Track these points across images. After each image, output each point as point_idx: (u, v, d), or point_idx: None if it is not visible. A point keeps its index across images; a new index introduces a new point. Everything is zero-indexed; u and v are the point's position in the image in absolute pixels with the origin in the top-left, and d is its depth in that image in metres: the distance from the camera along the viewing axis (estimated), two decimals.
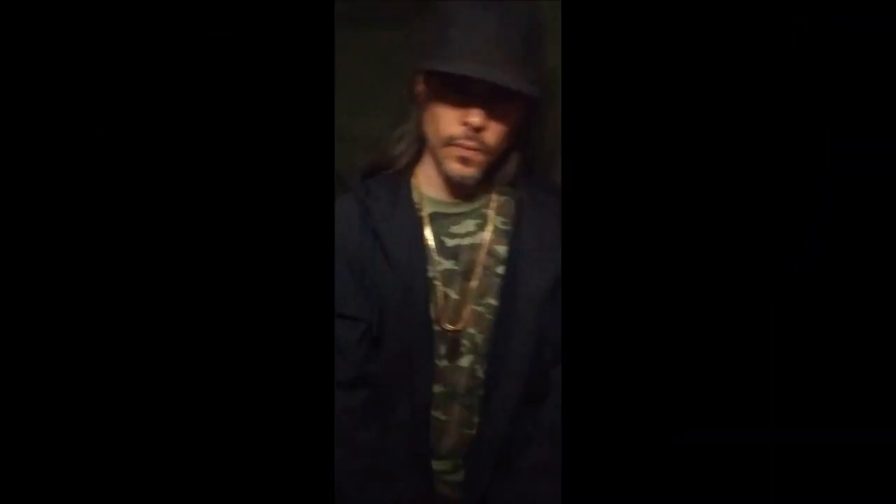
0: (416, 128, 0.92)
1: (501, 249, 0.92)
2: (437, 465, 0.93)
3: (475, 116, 0.84)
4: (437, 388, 0.91)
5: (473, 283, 0.91)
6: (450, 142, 0.87)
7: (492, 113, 0.85)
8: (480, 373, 0.91)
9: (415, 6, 1.20)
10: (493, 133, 0.86)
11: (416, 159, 0.95)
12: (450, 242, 0.92)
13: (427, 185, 0.94)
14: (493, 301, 0.91)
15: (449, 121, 0.86)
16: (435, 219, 0.93)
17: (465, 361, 0.91)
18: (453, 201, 0.94)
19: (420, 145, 0.93)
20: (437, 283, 0.91)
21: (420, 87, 0.89)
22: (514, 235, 0.92)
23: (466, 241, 0.93)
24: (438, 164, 0.90)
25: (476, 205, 0.94)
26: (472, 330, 0.91)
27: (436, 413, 0.91)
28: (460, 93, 0.84)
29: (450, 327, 0.90)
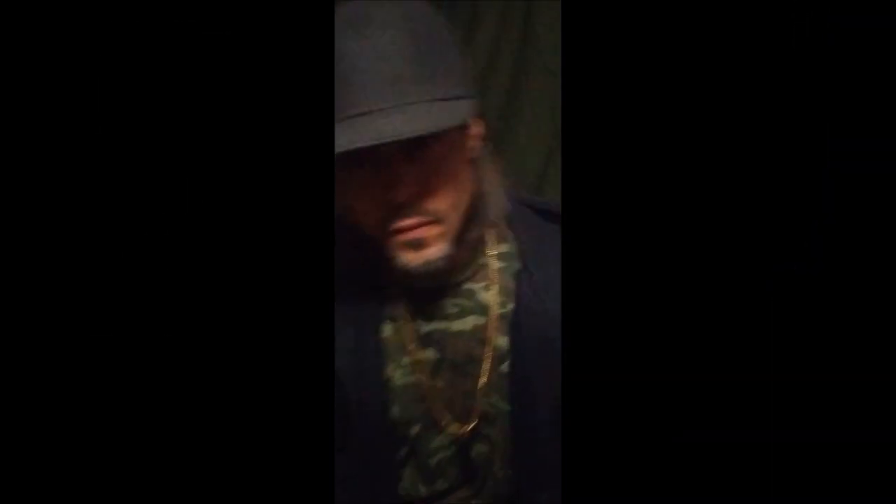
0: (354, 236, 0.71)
1: (502, 340, 0.73)
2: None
3: (400, 188, 0.63)
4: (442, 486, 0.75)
5: (477, 380, 0.73)
6: (388, 232, 0.67)
7: (421, 171, 0.64)
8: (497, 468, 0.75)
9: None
10: (435, 196, 0.65)
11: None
12: (426, 328, 0.74)
13: (389, 279, 0.73)
14: (501, 402, 0.74)
15: (373, 208, 0.66)
16: (405, 298, 0.73)
17: (474, 452, 0.75)
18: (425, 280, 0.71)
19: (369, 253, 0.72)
20: (419, 376, 0.73)
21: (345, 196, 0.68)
22: (514, 319, 0.73)
23: (452, 326, 0.73)
24: (389, 262, 0.68)
25: (456, 277, 0.73)
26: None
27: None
28: (371, 157, 0.64)
29: (453, 427, 0.72)
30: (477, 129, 0.71)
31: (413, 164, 0.64)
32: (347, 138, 0.61)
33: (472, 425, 0.73)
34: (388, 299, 0.73)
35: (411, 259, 0.67)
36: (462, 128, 0.68)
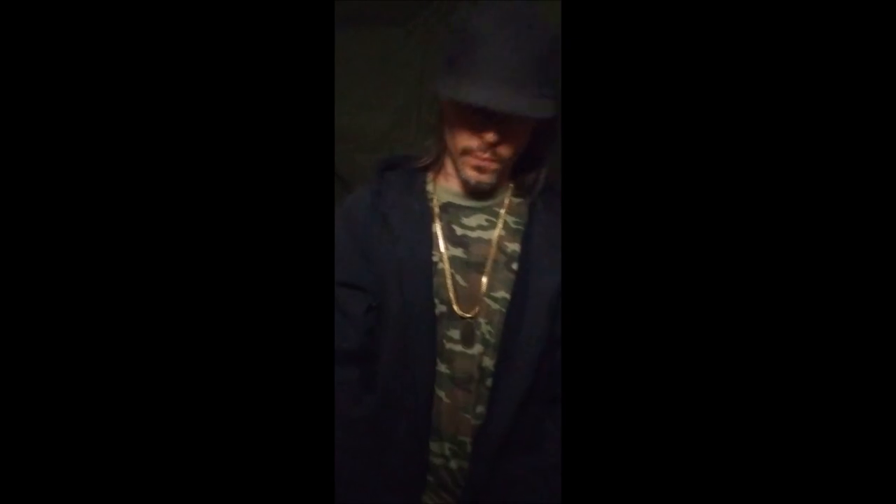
0: (439, 139, 0.98)
1: (513, 246, 0.97)
2: (434, 446, 0.95)
3: (490, 135, 0.89)
4: (442, 369, 0.93)
5: (484, 278, 0.95)
6: (466, 152, 0.93)
7: (506, 130, 0.90)
8: (488, 363, 0.93)
9: (415, 6, 1.20)
10: (508, 147, 0.92)
11: (436, 161, 1.00)
12: (459, 231, 0.97)
13: (444, 181, 1.00)
14: (505, 295, 0.95)
15: (467, 136, 0.91)
16: (446, 209, 0.98)
17: (475, 349, 0.93)
18: (467, 197, 0.99)
19: (441, 151, 0.99)
20: (445, 267, 0.95)
21: (444, 108, 0.95)
22: (525, 235, 0.98)
23: (476, 233, 0.97)
24: (457, 170, 0.96)
25: (489, 203, 0.99)
26: (482, 320, 0.94)
27: (439, 393, 0.93)
28: (478, 114, 0.88)
29: (464, 314, 0.94)
30: (549, 128, 0.97)
31: (508, 125, 0.90)
32: (480, 95, 0.86)
33: (473, 313, 0.95)
34: (442, 208, 1.00)
35: (473, 176, 0.94)
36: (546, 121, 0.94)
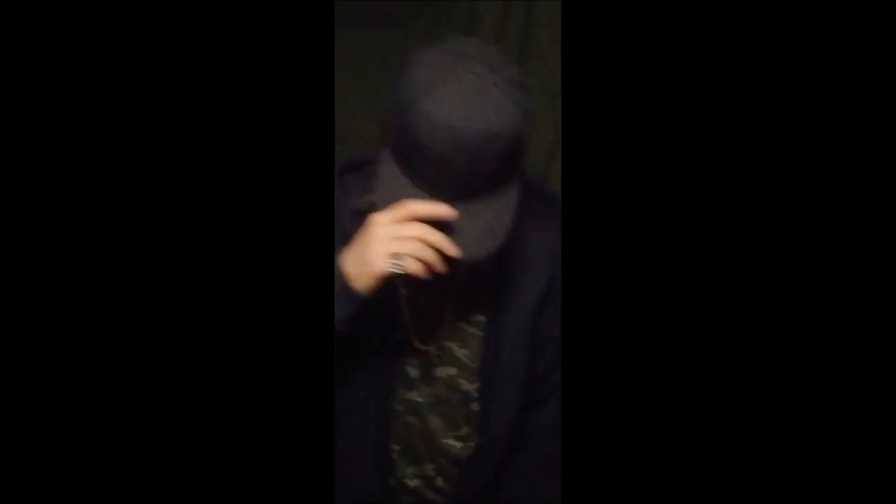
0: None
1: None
2: (413, 470, 0.92)
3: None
4: (409, 395, 0.89)
5: (458, 299, 0.87)
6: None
7: None
8: (466, 385, 0.89)
9: (414, 6, 1.20)
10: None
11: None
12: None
13: None
14: (481, 318, 0.88)
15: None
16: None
17: (440, 372, 0.89)
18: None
19: None
20: (403, 290, 0.86)
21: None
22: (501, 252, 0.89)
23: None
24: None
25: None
26: (451, 344, 0.89)
27: (411, 419, 0.90)
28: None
29: (420, 346, 0.87)
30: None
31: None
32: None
33: (441, 343, 0.89)
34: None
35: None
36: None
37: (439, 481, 0.93)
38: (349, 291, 0.74)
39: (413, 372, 0.89)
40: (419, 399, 0.90)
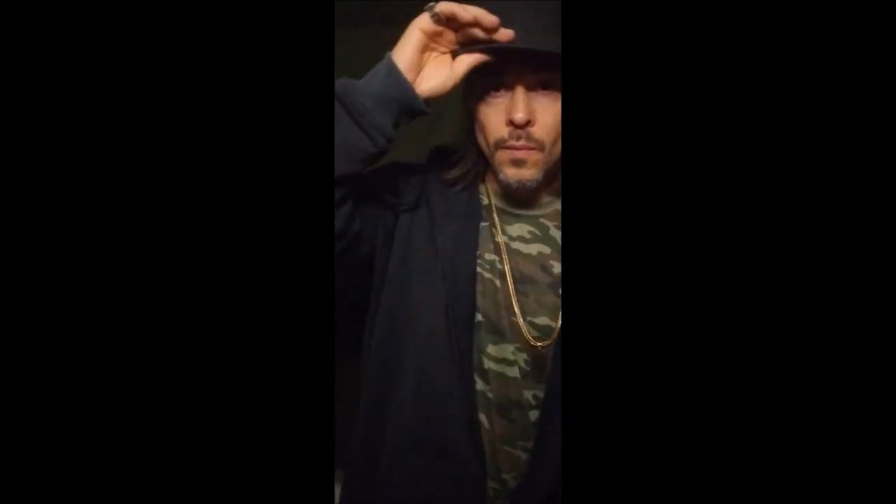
0: (473, 144, 0.90)
1: (557, 267, 0.88)
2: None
3: (518, 112, 0.81)
4: (480, 387, 0.86)
5: (522, 297, 0.87)
6: (500, 145, 0.84)
7: (536, 106, 0.83)
8: (528, 396, 0.86)
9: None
10: (542, 127, 0.83)
11: (481, 174, 0.93)
12: (499, 237, 0.89)
13: (493, 183, 0.92)
14: (550, 322, 0.86)
15: (495, 124, 0.84)
16: (493, 210, 0.90)
17: (512, 372, 0.87)
18: (512, 203, 0.91)
19: (480, 162, 0.91)
20: (483, 273, 0.87)
21: (469, 95, 0.87)
22: None
23: (515, 244, 0.89)
24: (497, 175, 0.87)
25: (534, 212, 0.91)
26: (513, 346, 0.87)
27: (480, 416, 0.86)
28: (501, 82, 0.82)
29: (532, 342, 0.85)
30: None
31: (535, 97, 0.83)
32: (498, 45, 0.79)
33: (547, 343, 0.86)
34: (486, 208, 0.92)
35: (512, 175, 0.85)
36: None
37: None
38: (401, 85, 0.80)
39: (488, 363, 0.86)
40: (488, 394, 0.86)
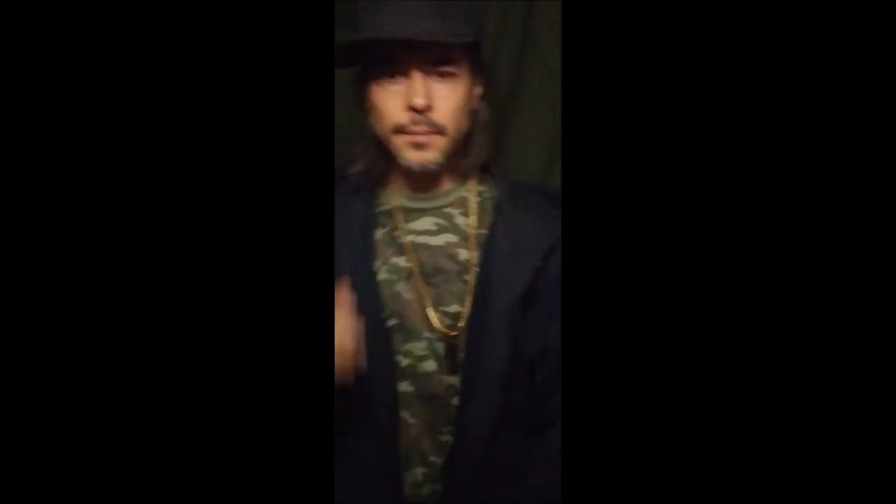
0: (371, 133, 0.88)
1: (466, 254, 0.89)
2: (408, 475, 0.89)
3: (417, 97, 0.81)
4: (403, 387, 0.88)
5: (433, 289, 0.88)
6: (398, 130, 0.84)
7: (434, 90, 0.83)
8: (446, 384, 0.88)
9: None
10: (443, 112, 0.83)
11: (373, 164, 0.91)
12: (404, 238, 0.89)
13: (394, 182, 0.92)
14: (458, 308, 0.88)
15: (392, 109, 0.83)
16: (392, 214, 0.90)
17: (429, 366, 0.88)
18: (417, 196, 0.91)
19: (381, 153, 0.89)
20: (385, 278, 0.88)
21: (360, 83, 0.87)
22: (487, 239, 0.89)
23: (422, 238, 0.90)
24: (395, 160, 0.86)
25: (440, 202, 0.91)
26: (431, 335, 0.88)
27: (404, 414, 0.88)
28: (396, 69, 0.82)
29: (443, 330, 0.87)
30: (478, 89, 0.89)
31: (434, 81, 0.82)
32: (389, 29, 0.78)
33: (456, 332, 0.87)
34: (387, 214, 0.91)
35: (412, 157, 0.84)
36: (470, 76, 0.86)
37: (426, 488, 0.89)
38: None
39: (407, 361, 0.87)
40: (410, 390, 0.88)
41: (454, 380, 0.88)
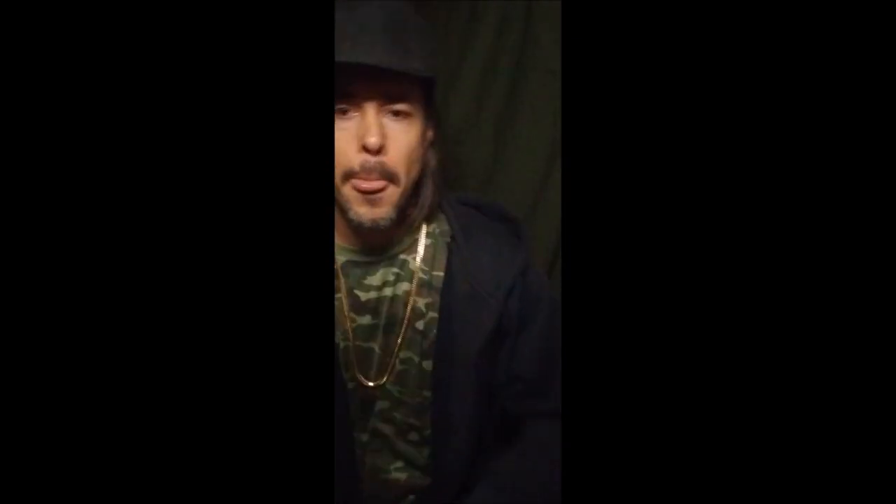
0: None
1: (422, 301, 0.88)
2: None
3: (371, 136, 0.76)
4: (363, 438, 0.92)
5: (397, 339, 0.88)
6: (348, 175, 0.79)
7: (388, 129, 0.79)
8: (400, 419, 0.92)
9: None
10: (395, 156, 0.79)
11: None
12: (364, 296, 0.88)
13: (339, 237, 0.88)
14: (412, 356, 0.89)
15: (343, 151, 0.78)
16: (346, 270, 0.87)
17: (379, 406, 0.91)
18: (367, 249, 0.88)
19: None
20: (351, 342, 0.88)
21: None
22: (444, 284, 0.87)
23: (385, 291, 0.88)
24: (345, 213, 0.82)
25: (394, 250, 0.89)
26: (391, 387, 0.90)
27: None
28: (349, 103, 0.78)
29: (368, 382, 0.89)
30: (430, 133, 0.86)
31: (384, 121, 0.78)
32: (345, 54, 0.74)
33: (380, 381, 0.88)
34: (340, 270, 0.88)
35: (364, 214, 0.80)
36: (423, 118, 0.83)
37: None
38: None
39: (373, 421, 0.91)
40: (368, 438, 0.92)
41: (414, 418, 0.91)
